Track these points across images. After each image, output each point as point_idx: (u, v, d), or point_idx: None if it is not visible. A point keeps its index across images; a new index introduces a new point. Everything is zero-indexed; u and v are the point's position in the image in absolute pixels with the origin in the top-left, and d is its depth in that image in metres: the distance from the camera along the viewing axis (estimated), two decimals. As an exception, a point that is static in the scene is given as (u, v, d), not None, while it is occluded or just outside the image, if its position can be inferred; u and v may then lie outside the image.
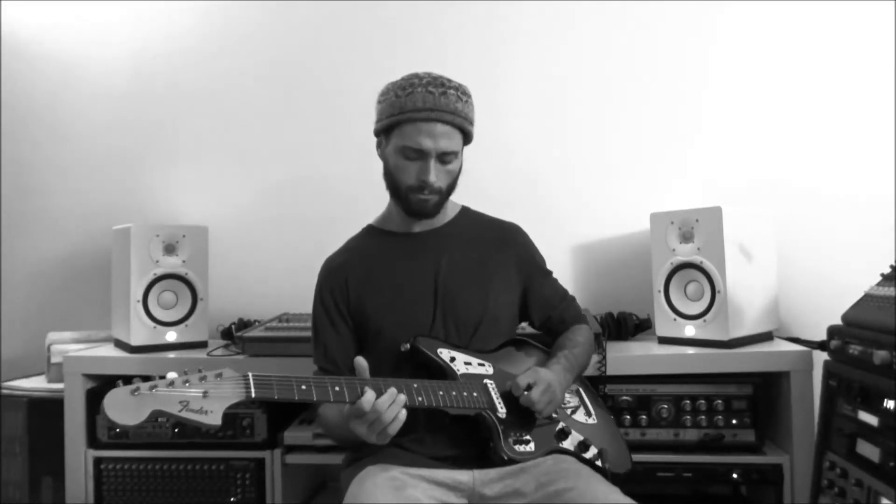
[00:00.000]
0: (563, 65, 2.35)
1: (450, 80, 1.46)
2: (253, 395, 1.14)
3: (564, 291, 1.68)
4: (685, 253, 1.93)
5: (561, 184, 2.34)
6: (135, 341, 2.05)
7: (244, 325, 2.17)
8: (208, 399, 1.10)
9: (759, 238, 1.96)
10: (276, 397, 1.17)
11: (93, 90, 2.53)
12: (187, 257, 2.15)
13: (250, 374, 1.15)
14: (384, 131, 1.48)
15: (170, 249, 2.12)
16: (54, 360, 2.18)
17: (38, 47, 2.55)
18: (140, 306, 2.06)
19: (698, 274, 1.90)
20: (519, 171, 2.34)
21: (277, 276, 2.41)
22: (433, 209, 1.49)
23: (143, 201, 2.49)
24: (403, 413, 1.24)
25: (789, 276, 2.11)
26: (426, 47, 2.39)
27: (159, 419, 1.88)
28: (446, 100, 1.42)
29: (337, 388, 1.22)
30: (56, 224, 2.55)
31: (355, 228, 1.64)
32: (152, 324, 2.08)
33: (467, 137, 1.49)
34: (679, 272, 1.94)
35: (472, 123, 1.49)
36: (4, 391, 2.11)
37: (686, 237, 1.93)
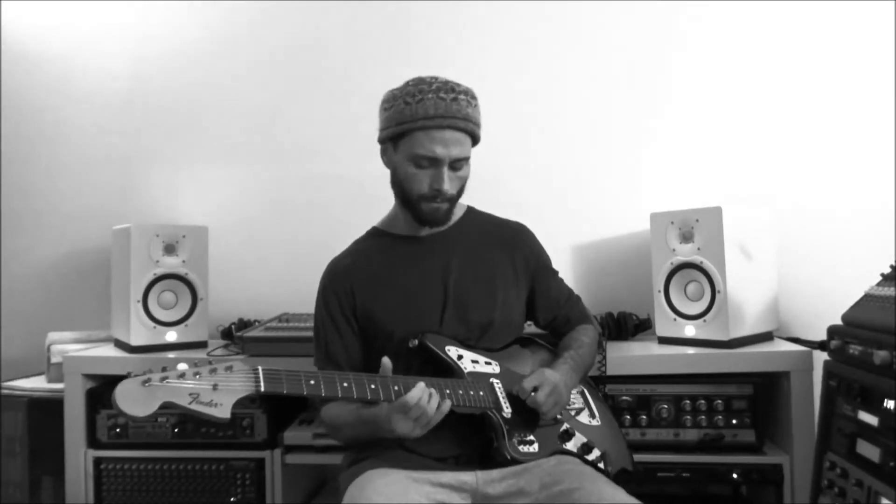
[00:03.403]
0: (563, 64, 2.35)
1: (458, 85, 1.43)
2: (262, 388, 1.14)
3: (570, 291, 1.67)
4: (685, 253, 1.92)
5: (561, 183, 2.34)
6: (135, 341, 2.05)
7: (244, 325, 2.17)
8: (218, 392, 1.10)
9: (759, 238, 1.96)
10: (284, 392, 1.17)
11: (93, 90, 2.53)
12: (187, 257, 2.14)
13: (260, 368, 1.15)
14: (391, 139, 1.44)
15: (170, 249, 2.12)
16: (54, 360, 2.18)
17: (38, 47, 2.55)
18: (140, 306, 2.06)
19: (698, 274, 1.90)
20: (519, 172, 2.34)
21: (277, 276, 2.42)
22: (445, 216, 1.48)
23: (143, 201, 2.49)
24: (447, 405, 1.26)
25: (789, 276, 2.11)
26: (431, 47, 2.39)
27: (158, 420, 1.92)
28: (457, 106, 1.39)
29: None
30: (56, 224, 2.54)
31: (355, 228, 1.63)
32: (152, 324, 2.08)
33: (475, 141, 1.48)
34: (679, 272, 1.94)
35: (480, 127, 1.47)
36: (4, 391, 2.11)
37: (686, 237, 1.93)
